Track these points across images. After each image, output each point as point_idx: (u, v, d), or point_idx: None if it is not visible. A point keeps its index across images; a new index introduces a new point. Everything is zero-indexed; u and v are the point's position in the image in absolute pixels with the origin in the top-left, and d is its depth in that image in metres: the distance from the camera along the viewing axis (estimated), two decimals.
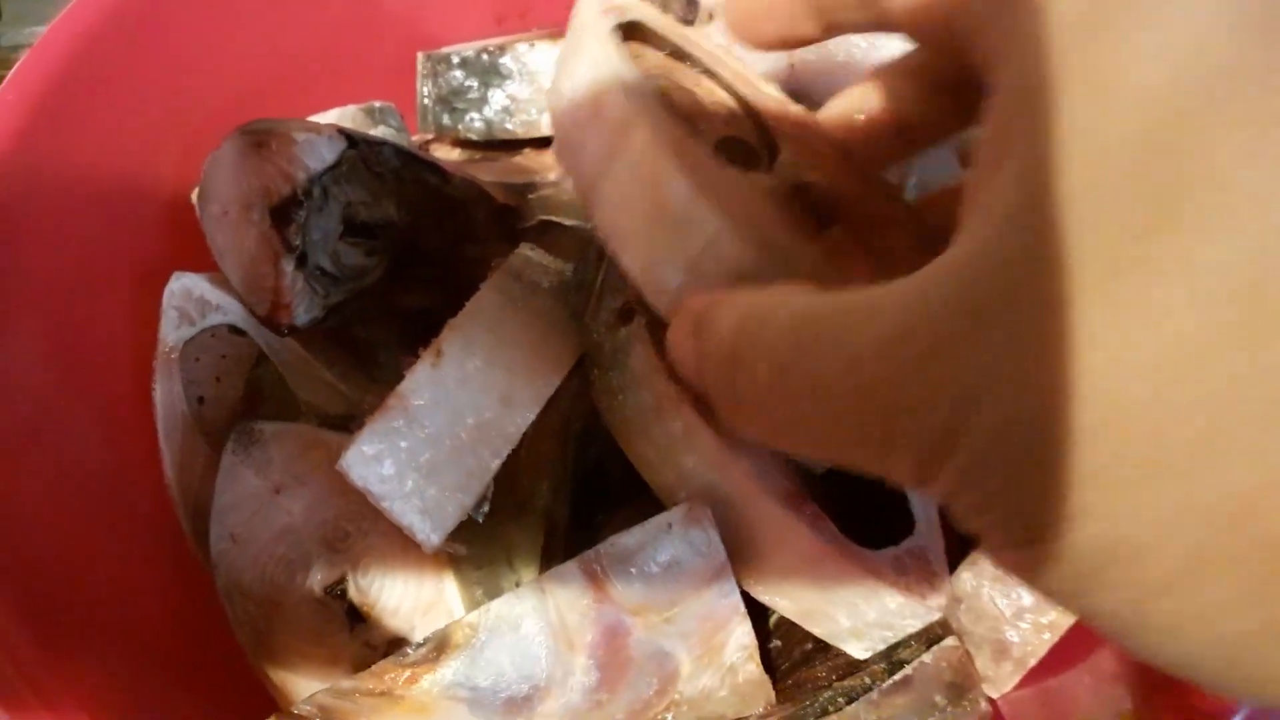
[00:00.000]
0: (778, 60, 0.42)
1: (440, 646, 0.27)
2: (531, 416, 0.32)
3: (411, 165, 0.37)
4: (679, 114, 0.31)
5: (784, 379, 0.20)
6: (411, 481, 0.30)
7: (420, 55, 0.48)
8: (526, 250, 0.36)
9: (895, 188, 0.35)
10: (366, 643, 0.32)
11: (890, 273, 0.18)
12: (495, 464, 0.31)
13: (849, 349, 0.18)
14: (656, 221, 0.27)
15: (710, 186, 0.26)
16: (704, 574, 0.29)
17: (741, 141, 0.32)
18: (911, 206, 0.33)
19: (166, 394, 0.37)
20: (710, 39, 0.40)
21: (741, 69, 0.34)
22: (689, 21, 0.43)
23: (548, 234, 0.41)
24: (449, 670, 0.27)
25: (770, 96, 0.34)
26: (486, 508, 0.31)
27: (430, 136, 0.48)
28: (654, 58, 0.32)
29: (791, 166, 0.31)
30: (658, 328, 0.30)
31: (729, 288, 0.25)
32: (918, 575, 0.29)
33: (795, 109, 0.34)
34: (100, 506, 0.35)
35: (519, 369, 0.32)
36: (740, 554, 0.29)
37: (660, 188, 0.27)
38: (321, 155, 0.35)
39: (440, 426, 0.30)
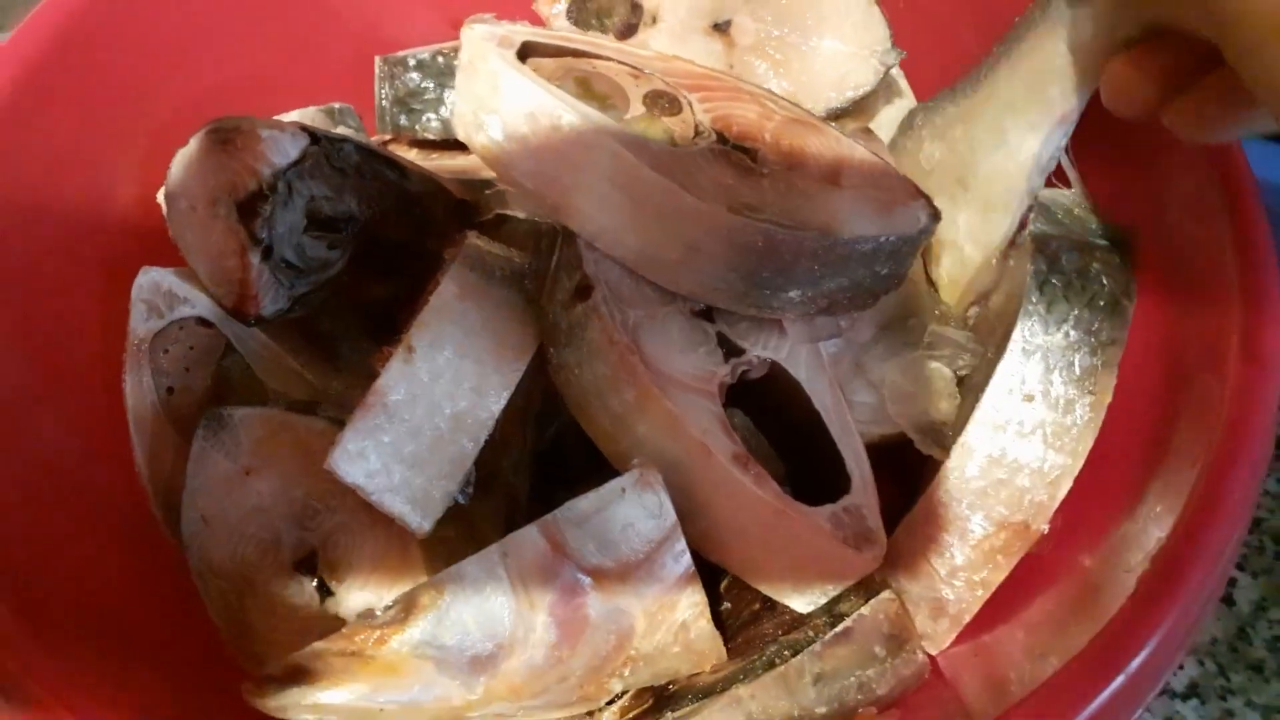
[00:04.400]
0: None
1: (408, 608, 0.29)
2: (504, 402, 0.34)
3: (371, 161, 0.39)
4: (604, 92, 0.34)
5: None
6: (398, 474, 0.31)
7: (378, 59, 0.49)
8: (476, 240, 0.38)
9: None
10: (336, 615, 0.34)
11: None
12: (474, 450, 0.33)
13: None
14: (642, 217, 0.32)
15: (674, 171, 0.30)
16: (656, 535, 0.31)
17: (663, 93, 0.35)
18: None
19: (136, 385, 0.38)
20: (654, 42, 0.42)
21: (621, 46, 0.38)
22: (633, 26, 0.45)
23: (503, 227, 0.42)
24: (416, 630, 0.29)
25: (656, 56, 0.37)
26: (470, 490, 0.33)
27: (388, 137, 0.50)
28: (550, 64, 0.35)
29: (708, 110, 0.34)
30: (617, 301, 0.32)
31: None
32: (854, 530, 0.31)
33: (684, 64, 0.38)
34: (73, 496, 0.36)
35: (486, 357, 0.34)
36: (690, 515, 0.31)
37: (638, 188, 0.31)
38: (285, 151, 0.36)
39: (419, 418, 0.32)
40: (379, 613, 0.29)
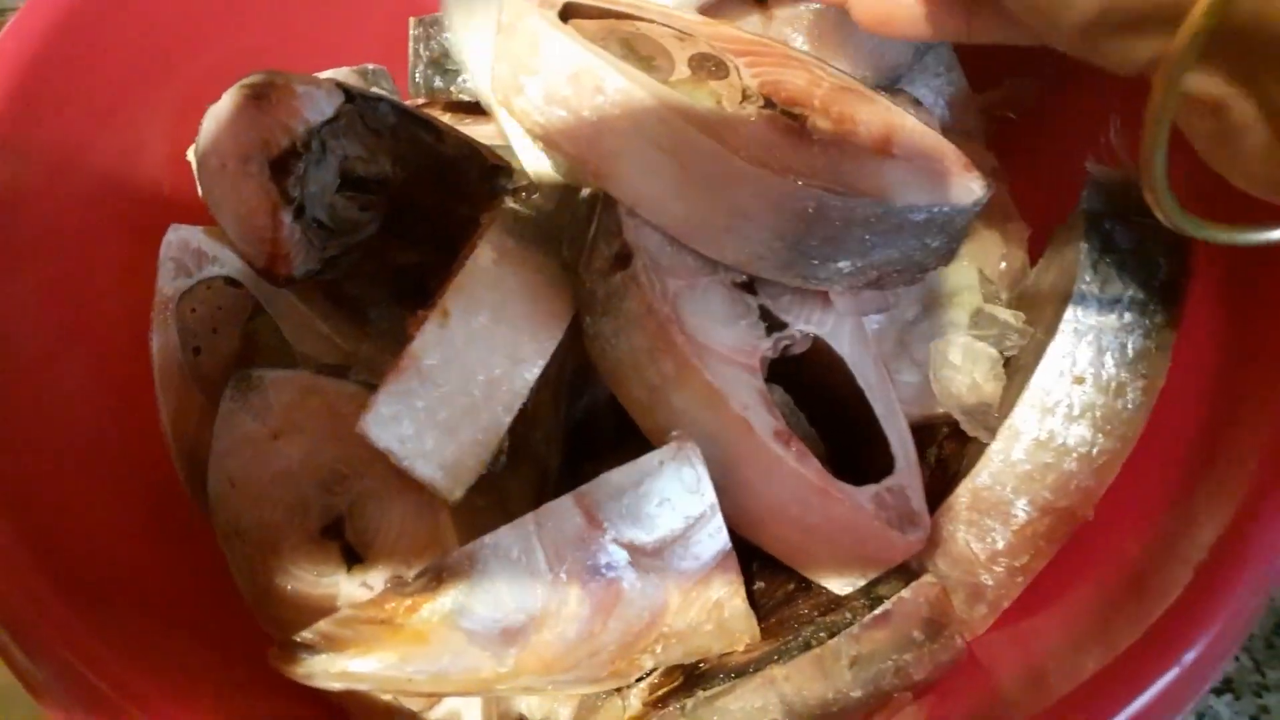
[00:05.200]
0: None
1: (439, 576, 0.28)
2: (539, 370, 0.33)
3: (407, 122, 0.38)
4: (648, 54, 0.33)
5: None
6: (431, 440, 0.31)
7: (412, 19, 0.48)
8: (512, 204, 0.37)
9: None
10: (364, 583, 0.33)
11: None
12: (508, 419, 0.32)
13: None
14: (688, 182, 0.30)
15: (722, 135, 0.29)
16: (693, 511, 0.30)
17: (709, 56, 0.34)
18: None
19: (163, 344, 0.37)
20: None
21: (664, 9, 0.37)
22: None
23: (537, 193, 0.42)
24: (448, 599, 0.28)
25: (701, 21, 0.37)
26: (504, 459, 0.32)
27: (421, 100, 0.49)
28: (592, 26, 0.34)
29: (756, 75, 0.33)
30: (656, 270, 0.31)
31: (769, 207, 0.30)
32: (898, 511, 0.31)
33: (730, 29, 0.36)
34: (100, 454, 0.35)
35: (522, 324, 0.33)
36: (727, 491, 0.30)
37: (685, 152, 0.30)
38: (320, 108, 0.35)
39: (454, 385, 0.31)
40: (410, 580, 0.28)
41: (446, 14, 0.38)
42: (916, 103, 0.41)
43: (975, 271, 0.38)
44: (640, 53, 0.34)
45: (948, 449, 0.39)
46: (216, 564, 0.35)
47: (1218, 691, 0.45)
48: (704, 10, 0.40)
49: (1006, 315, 0.36)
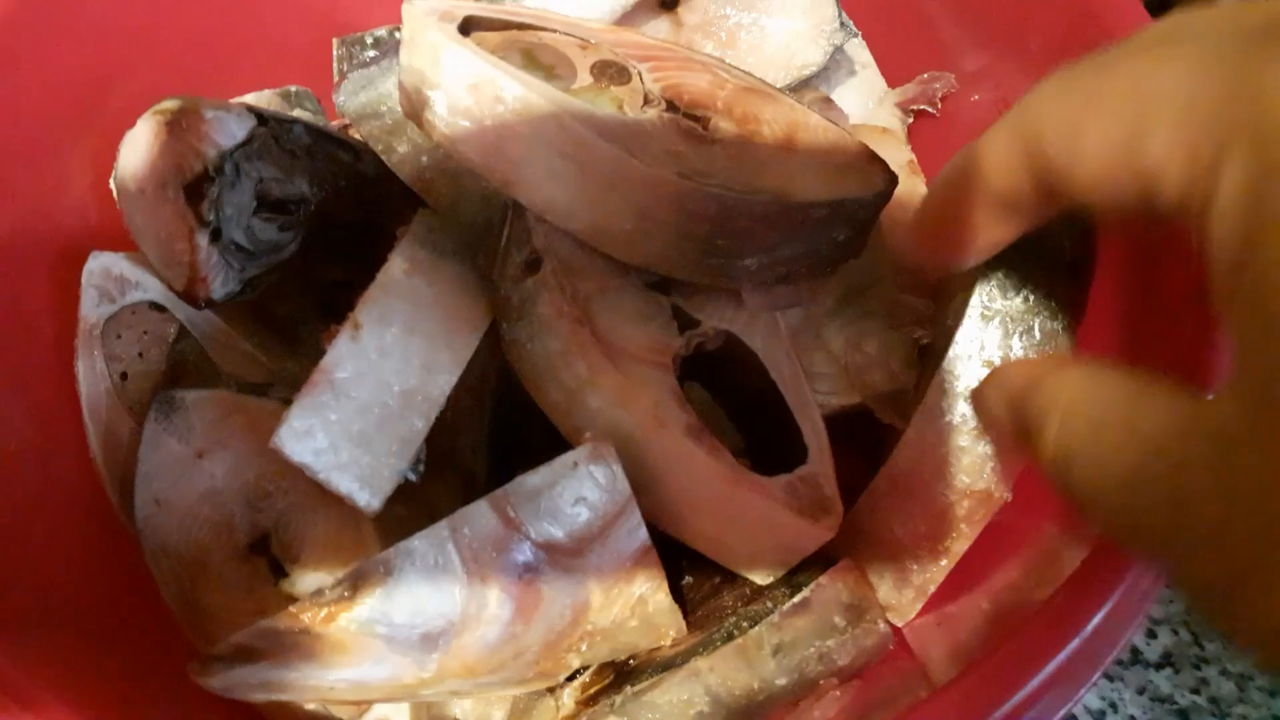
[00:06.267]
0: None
1: (355, 584, 0.28)
2: (454, 379, 0.33)
3: (323, 142, 0.39)
4: (549, 63, 0.34)
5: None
6: (346, 452, 0.31)
7: (335, 40, 0.48)
8: (428, 217, 0.37)
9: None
10: (291, 595, 0.33)
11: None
12: (424, 427, 0.32)
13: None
14: (592, 188, 0.31)
15: (623, 140, 0.29)
16: (610, 508, 0.30)
17: (611, 63, 0.34)
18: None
19: (89, 371, 0.37)
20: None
21: (568, 19, 0.38)
22: None
23: (460, 205, 0.42)
24: (365, 608, 0.28)
25: (604, 29, 0.37)
26: (422, 468, 0.32)
27: (348, 120, 0.49)
28: (494, 38, 0.35)
29: (658, 79, 0.34)
30: (567, 273, 0.31)
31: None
32: (810, 499, 0.31)
33: (633, 36, 0.37)
34: (27, 482, 0.35)
35: (437, 334, 0.33)
36: (644, 487, 0.31)
37: (586, 158, 0.31)
38: (231, 132, 0.36)
39: (367, 396, 0.32)
40: (326, 589, 0.28)
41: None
42: (827, 100, 0.42)
43: (889, 263, 0.38)
44: (541, 62, 0.34)
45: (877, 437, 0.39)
46: (152, 586, 0.35)
47: (1158, 666, 0.45)
48: (616, 20, 0.41)
49: (919, 304, 0.37)
